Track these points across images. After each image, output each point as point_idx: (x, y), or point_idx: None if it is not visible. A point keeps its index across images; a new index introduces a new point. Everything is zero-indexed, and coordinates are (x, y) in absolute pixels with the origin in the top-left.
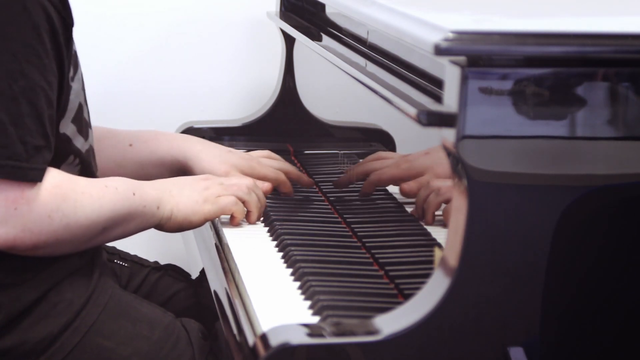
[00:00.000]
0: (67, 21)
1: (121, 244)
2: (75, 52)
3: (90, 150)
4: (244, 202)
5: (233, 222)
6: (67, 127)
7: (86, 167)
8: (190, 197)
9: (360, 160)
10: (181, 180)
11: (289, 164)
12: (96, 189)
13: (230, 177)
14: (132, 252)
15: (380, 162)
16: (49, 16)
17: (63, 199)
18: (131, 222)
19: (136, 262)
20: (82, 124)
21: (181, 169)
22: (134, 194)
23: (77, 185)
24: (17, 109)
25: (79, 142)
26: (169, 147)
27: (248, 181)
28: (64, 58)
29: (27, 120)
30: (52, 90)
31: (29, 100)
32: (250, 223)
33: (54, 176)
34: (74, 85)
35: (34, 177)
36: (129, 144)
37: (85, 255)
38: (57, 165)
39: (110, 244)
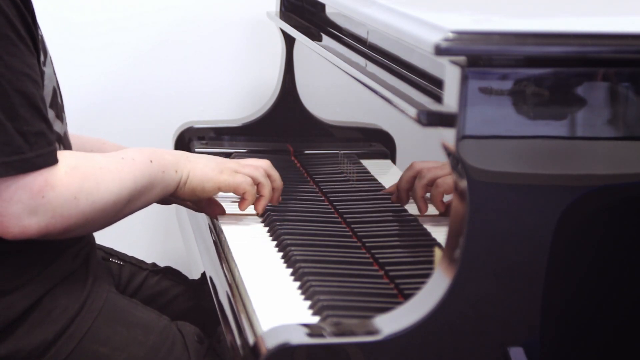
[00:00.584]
0: (27, 5)
1: (119, 245)
2: (42, 37)
3: (66, 135)
4: (257, 185)
5: (242, 205)
6: (48, 113)
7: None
8: (207, 164)
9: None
10: (201, 154)
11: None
12: (113, 163)
13: (246, 159)
14: (129, 254)
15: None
16: (14, 1)
17: (84, 178)
18: (153, 190)
19: (134, 263)
20: (59, 108)
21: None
22: (151, 161)
23: (94, 162)
24: (9, 103)
25: (58, 126)
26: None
27: (265, 164)
28: (37, 38)
29: (22, 111)
30: (34, 72)
31: (17, 90)
32: (257, 211)
33: (68, 158)
34: (47, 70)
35: (43, 163)
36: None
37: (78, 259)
38: None
39: (107, 245)
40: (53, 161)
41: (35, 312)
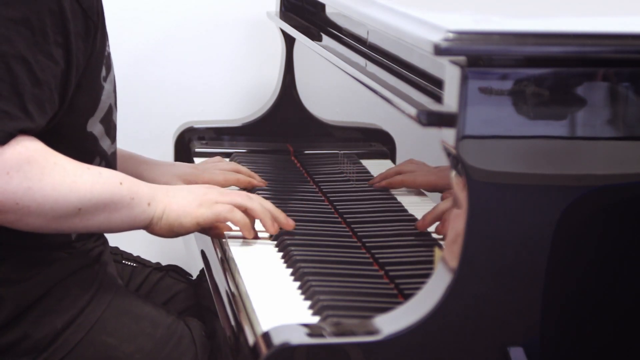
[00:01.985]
0: (87, 13)
1: (124, 245)
2: (109, 54)
3: (115, 154)
4: (246, 210)
5: (245, 234)
6: (95, 127)
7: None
8: (185, 198)
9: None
10: (182, 186)
11: (237, 165)
12: (74, 166)
13: (231, 190)
14: (135, 253)
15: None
16: (60, 2)
17: (27, 161)
18: (115, 213)
19: (139, 262)
20: (110, 126)
21: None
22: (120, 183)
23: (52, 156)
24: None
25: (106, 144)
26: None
27: (250, 194)
28: (73, 48)
29: (3, 89)
30: (42, 71)
31: (6, 65)
32: (268, 232)
33: (25, 142)
34: (106, 86)
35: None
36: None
37: (91, 254)
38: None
39: (113, 244)
40: (2, 142)
41: (46, 302)
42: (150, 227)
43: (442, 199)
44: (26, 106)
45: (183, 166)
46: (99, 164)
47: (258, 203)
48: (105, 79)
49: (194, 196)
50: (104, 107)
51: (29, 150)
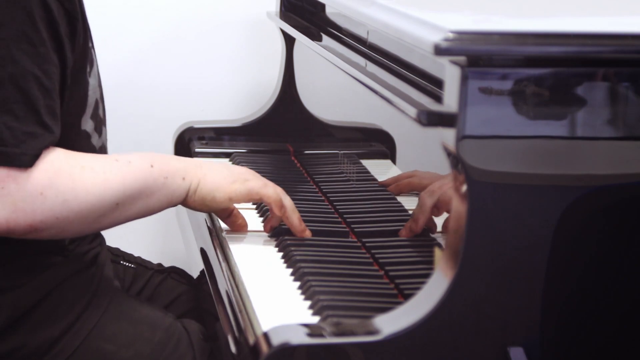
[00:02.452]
0: (71, 14)
1: (125, 246)
2: (91, 48)
3: (104, 148)
4: (282, 206)
5: (272, 208)
6: (87, 124)
7: None
8: (220, 173)
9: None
10: (216, 162)
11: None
12: (101, 162)
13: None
14: (136, 254)
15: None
16: (47, 5)
17: (56, 174)
18: (152, 197)
19: (140, 264)
20: (99, 120)
21: None
22: (151, 166)
23: (76, 160)
24: (3, 95)
25: (95, 139)
26: None
27: (280, 190)
28: (66, 50)
29: (15, 107)
30: (49, 80)
31: (17, 86)
32: (296, 232)
33: (48, 155)
34: (92, 81)
35: (23, 163)
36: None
37: (87, 258)
38: None
39: (114, 245)
40: (29, 164)
41: (42, 309)
42: (186, 200)
43: (420, 198)
44: (44, 121)
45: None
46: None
47: (289, 200)
48: (89, 74)
49: (229, 172)
50: (91, 103)
51: (54, 163)
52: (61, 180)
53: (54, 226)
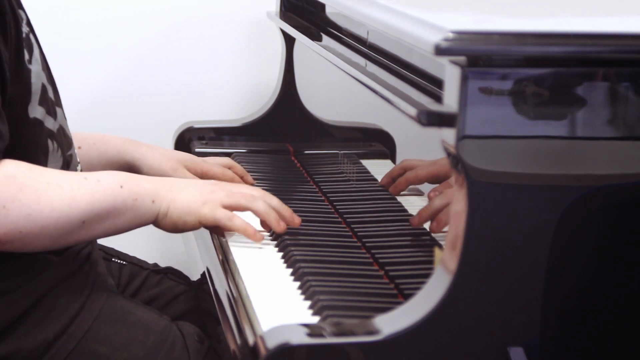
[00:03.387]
0: (2, 6)
1: (120, 245)
2: (28, 33)
3: (61, 130)
4: (254, 211)
5: (252, 237)
6: (36, 111)
7: (61, 147)
8: (191, 196)
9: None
10: (188, 181)
11: (231, 161)
12: (68, 180)
13: (239, 185)
14: (131, 254)
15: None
16: None
17: (20, 188)
18: (120, 217)
19: (135, 263)
20: (50, 104)
21: (129, 170)
22: (121, 186)
23: (42, 175)
24: None
25: (50, 123)
26: (117, 148)
27: (256, 191)
28: (11, 37)
29: None
30: None
31: None
32: (275, 231)
33: (8, 167)
34: (33, 68)
35: None
36: (78, 147)
37: (79, 259)
38: (44, 159)
39: (109, 245)
40: None
41: (36, 312)
42: (156, 222)
43: (429, 197)
44: None
45: (182, 154)
46: (52, 145)
47: (263, 202)
48: (30, 61)
49: (200, 194)
50: (37, 90)
51: (17, 178)
52: (25, 195)
53: (16, 239)
